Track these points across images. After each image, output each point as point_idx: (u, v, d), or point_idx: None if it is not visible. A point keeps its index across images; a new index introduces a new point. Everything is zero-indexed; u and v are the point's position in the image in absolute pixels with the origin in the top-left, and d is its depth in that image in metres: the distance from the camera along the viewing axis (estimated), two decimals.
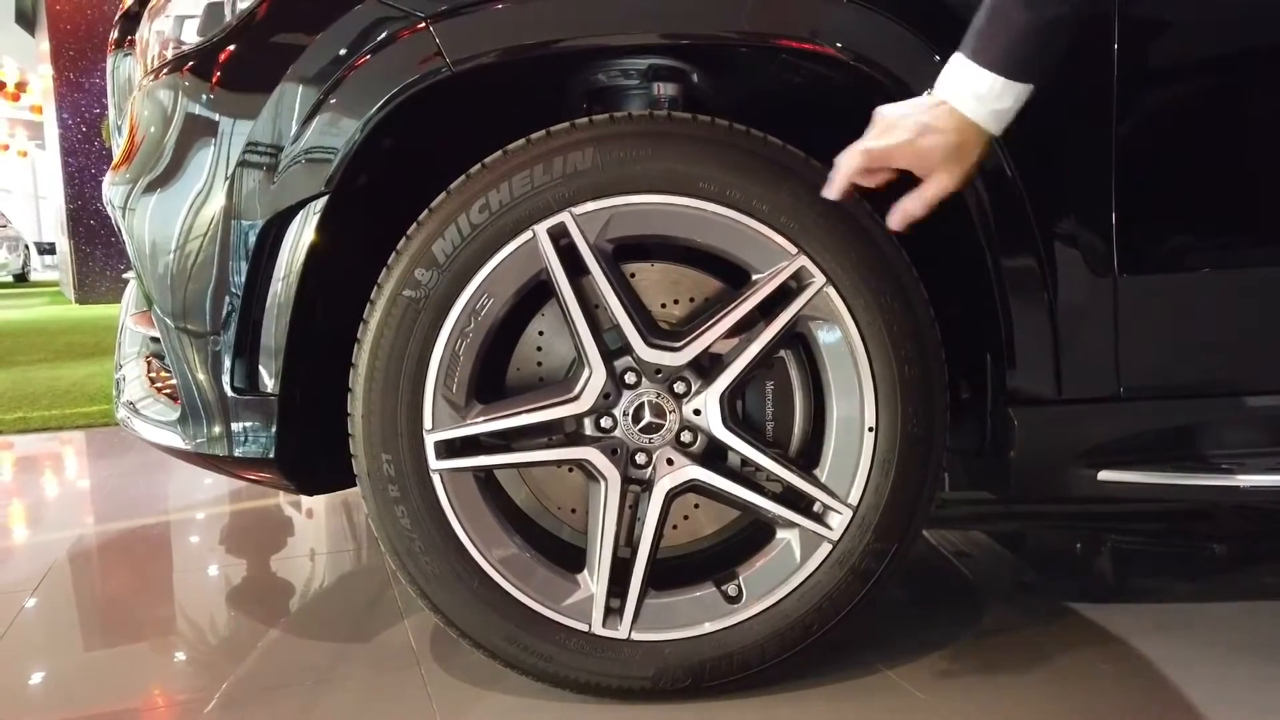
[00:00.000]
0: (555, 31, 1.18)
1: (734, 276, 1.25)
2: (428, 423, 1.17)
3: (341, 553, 1.94)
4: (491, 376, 1.26)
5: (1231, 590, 1.65)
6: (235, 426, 1.26)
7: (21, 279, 17.12)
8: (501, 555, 1.20)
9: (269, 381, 1.23)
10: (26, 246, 17.81)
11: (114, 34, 1.56)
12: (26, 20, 12.96)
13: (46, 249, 20.44)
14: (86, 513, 2.32)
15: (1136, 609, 1.54)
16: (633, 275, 1.25)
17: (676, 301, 1.27)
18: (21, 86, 18.36)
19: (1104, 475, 1.23)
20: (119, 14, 1.56)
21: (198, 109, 1.24)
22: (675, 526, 1.33)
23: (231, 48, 1.23)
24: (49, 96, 11.06)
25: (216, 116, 1.22)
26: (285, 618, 1.59)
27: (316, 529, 2.15)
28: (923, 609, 1.59)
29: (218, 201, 1.21)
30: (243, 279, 1.21)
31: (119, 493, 2.45)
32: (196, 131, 1.23)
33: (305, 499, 2.30)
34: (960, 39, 1.04)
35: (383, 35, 1.15)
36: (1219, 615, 1.52)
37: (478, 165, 1.17)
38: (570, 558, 1.26)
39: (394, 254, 1.17)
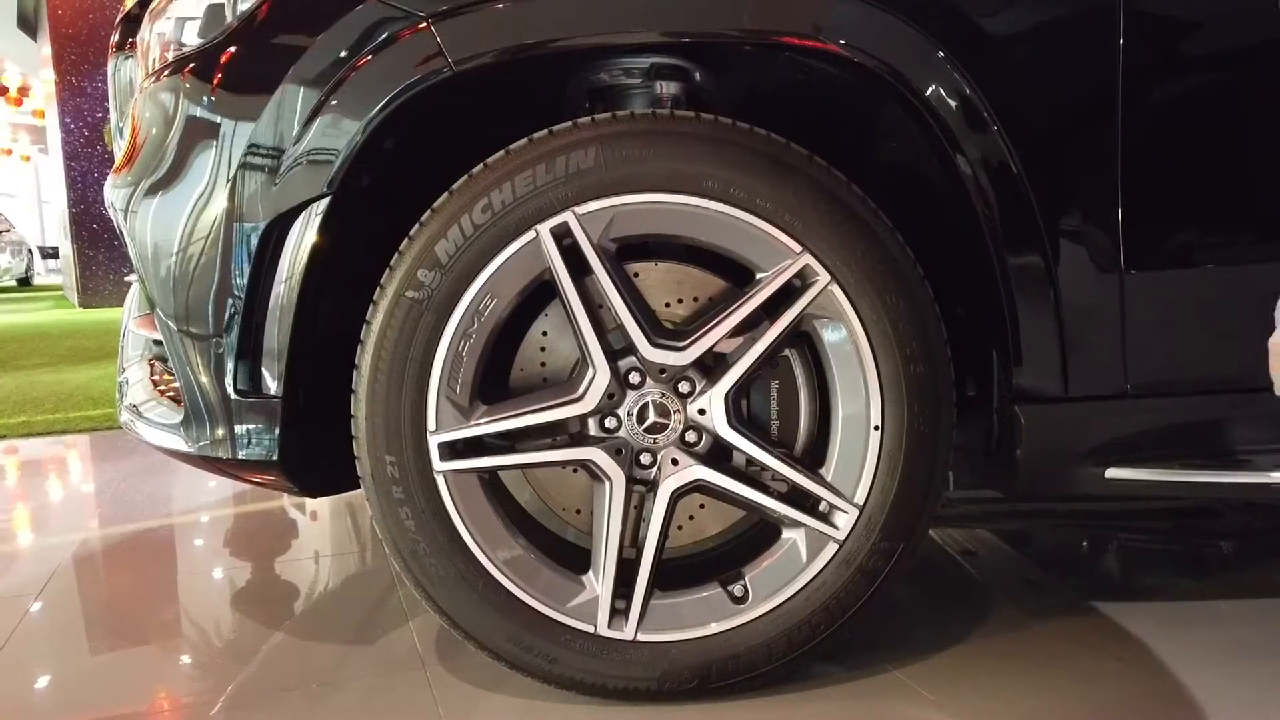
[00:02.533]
0: (556, 30, 1.17)
1: (738, 275, 1.24)
2: (431, 424, 1.16)
3: (346, 555, 1.94)
4: (495, 377, 1.25)
5: (1239, 587, 1.64)
6: (238, 429, 1.25)
7: (25, 283, 17.14)
8: (506, 557, 1.20)
9: (272, 384, 1.23)
10: (30, 251, 17.83)
11: (115, 36, 1.56)
12: (28, 25, 12.98)
13: (50, 253, 20.46)
14: (91, 516, 2.32)
15: (1144, 606, 1.54)
16: (636, 275, 1.25)
17: (680, 301, 1.27)
18: (24, 91, 18.38)
19: (1111, 473, 1.22)
20: (120, 16, 1.56)
21: (199, 111, 1.23)
22: (680, 527, 1.32)
23: (232, 49, 1.22)
24: (51, 101, 11.08)
25: (218, 118, 1.22)
26: (290, 620, 1.59)
27: (321, 531, 2.14)
28: (930, 608, 1.58)
29: (220, 203, 1.21)
30: (245, 281, 1.21)
31: (123, 496, 2.45)
32: (198, 133, 1.23)
33: (309, 501, 2.30)
34: (964, 35, 1.02)
35: (384, 35, 1.15)
36: (1226, 612, 1.52)
37: (480, 165, 1.16)
38: (575, 559, 1.26)
39: (397, 255, 1.17)
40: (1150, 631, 1.43)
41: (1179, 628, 1.44)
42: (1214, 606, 1.54)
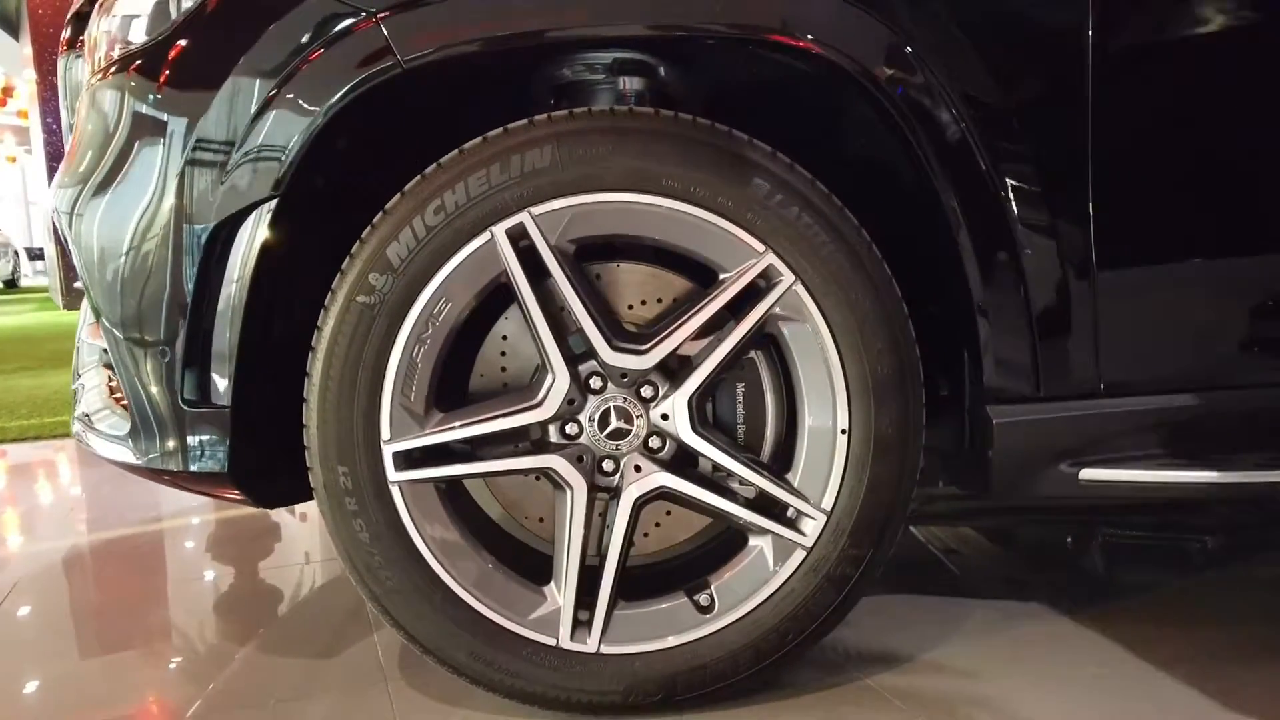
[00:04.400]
0: (512, 25, 1.13)
1: (703, 276, 1.21)
2: (385, 433, 1.13)
3: (320, 564, 1.90)
4: (455, 383, 1.22)
5: (1222, 585, 1.63)
6: (190, 440, 1.21)
7: (12, 285, 17.04)
8: (464, 568, 1.16)
9: (222, 392, 1.19)
10: (16, 252, 17.73)
11: (65, 34, 1.52)
12: (10, 24, 12.87)
13: (36, 254, 20.36)
14: (66, 523, 2.28)
15: (1126, 604, 1.52)
16: (598, 276, 1.21)
17: (644, 303, 1.23)
18: (8, 91, 18.25)
19: (1086, 474, 1.20)
20: (70, 14, 1.52)
21: (144, 109, 1.19)
22: (646, 535, 1.29)
23: (178, 46, 1.18)
24: (34, 101, 10.99)
25: (164, 117, 1.18)
26: (256, 634, 1.55)
27: (300, 539, 2.11)
28: (907, 610, 1.55)
29: (166, 205, 1.17)
30: (192, 285, 1.17)
31: (97, 503, 2.41)
32: (143, 133, 1.19)
33: (284, 510, 2.26)
34: (932, 31, 0.99)
35: (330, 32, 1.11)
36: (1210, 609, 1.50)
37: (433, 165, 1.13)
38: (541, 569, 1.22)
39: (348, 258, 1.13)
40: (1133, 631, 1.41)
41: (1163, 627, 1.42)
42: (1198, 603, 1.53)
